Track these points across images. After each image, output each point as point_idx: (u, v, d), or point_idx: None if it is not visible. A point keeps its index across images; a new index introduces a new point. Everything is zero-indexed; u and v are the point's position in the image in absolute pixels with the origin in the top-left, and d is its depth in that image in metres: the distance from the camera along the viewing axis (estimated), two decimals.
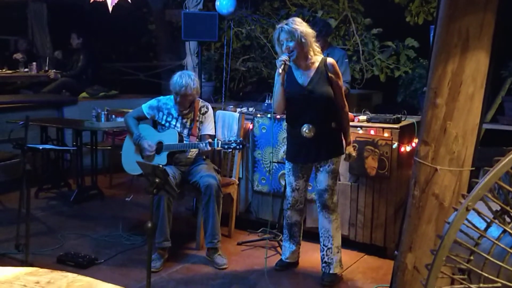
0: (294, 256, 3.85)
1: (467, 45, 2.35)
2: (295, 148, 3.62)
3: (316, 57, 3.54)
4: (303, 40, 3.42)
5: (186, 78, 3.97)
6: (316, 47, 3.54)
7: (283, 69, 3.44)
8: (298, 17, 3.86)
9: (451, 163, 2.43)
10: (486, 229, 1.65)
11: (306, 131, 3.49)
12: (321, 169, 3.56)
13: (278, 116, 4.35)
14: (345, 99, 3.58)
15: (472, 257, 1.66)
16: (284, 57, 3.45)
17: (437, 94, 2.42)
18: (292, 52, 3.45)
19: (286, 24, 3.45)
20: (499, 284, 1.60)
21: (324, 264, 3.65)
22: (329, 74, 3.49)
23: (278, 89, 3.52)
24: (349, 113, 4.25)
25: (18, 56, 7.58)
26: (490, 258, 1.60)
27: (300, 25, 3.44)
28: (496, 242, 1.61)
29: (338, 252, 3.64)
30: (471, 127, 2.44)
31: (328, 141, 3.53)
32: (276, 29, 3.52)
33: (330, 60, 3.54)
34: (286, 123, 3.75)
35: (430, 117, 2.46)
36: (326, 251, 3.62)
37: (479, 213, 1.64)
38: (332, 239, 3.60)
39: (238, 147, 3.86)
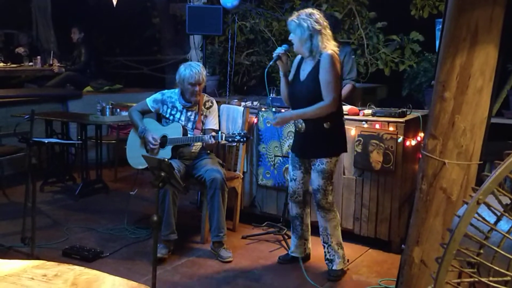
0: (300, 251, 3.81)
1: (476, 39, 2.33)
2: (294, 139, 3.71)
3: (323, 52, 3.38)
4: (299, 33, 3.41)
5: (195, 66, 4.01)
6: (326, 43, 3.40)
7: (275, 62, 3.56)
8: None
9: (459, 157, 2.42)
10: (496, 222, 1.65)
11: (299, 125, 3.53)
12: (312, 167, 3.55)
13: (283, 111, 4.34)
14: (331, 92, 3.34)
15: (481, 251, 1.65)
16: (279, 49, 3.55)
17: (446, 87, 2.41)
18: (292, 44, 3.50)
19: (291, 16, 3.47)
20: (508, 278, 1.59)
21: (327, 261, 3.65)
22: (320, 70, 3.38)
23: (281, 80, 3.63)
24: (353, 106, 4.24)
25: (20, 50, 7.58)
26: (500, 251, 1.60)
27: (299, 18, 3.39)
28: (506, 235, 1.60)
29: (339, 249, 3.61)
30: (479, 120, 2.42)
31: (318, 141, 3.48)
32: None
33: (324, 55, 3.38)
34: None
35: (438, 110, 2.44)
36: (327, 248, 3.62)
37: (489, 207, 1.63)
38: (331, 237, 3.59)
39: (242, 139, 3.85)
